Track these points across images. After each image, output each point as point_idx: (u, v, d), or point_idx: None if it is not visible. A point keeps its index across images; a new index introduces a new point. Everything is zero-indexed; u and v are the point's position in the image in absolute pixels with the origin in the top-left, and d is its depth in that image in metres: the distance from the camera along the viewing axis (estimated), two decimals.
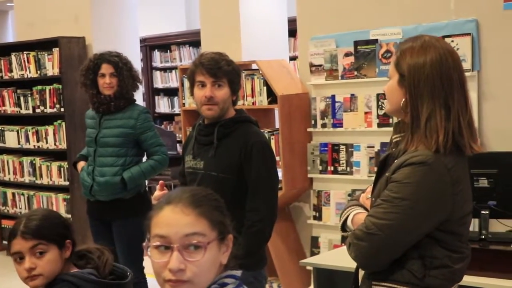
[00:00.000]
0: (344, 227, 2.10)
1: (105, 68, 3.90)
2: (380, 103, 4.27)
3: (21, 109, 6.39)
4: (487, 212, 3.00)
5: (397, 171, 1.88)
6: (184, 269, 1.34)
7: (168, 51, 9.17)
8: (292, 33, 6.32)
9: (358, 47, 4.36)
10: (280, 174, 4.43)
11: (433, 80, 1.88)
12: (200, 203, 1.40)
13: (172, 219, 1.37)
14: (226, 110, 2.81)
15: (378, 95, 4.27)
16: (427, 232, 1.89)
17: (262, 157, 2.75)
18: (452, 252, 1.92)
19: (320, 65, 4.56)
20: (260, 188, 2.74)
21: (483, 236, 2.98)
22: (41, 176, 6.27)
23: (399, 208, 1.85)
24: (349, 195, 4.44)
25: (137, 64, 5.93)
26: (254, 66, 4.83)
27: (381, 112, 4.26)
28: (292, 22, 5.45)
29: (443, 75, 1.88)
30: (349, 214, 2.08)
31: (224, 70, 2.75)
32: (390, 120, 4.22)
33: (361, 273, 2.06)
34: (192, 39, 8.48)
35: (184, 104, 5.09)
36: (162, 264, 1.36)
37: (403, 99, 1.92)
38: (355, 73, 4.39)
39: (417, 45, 1.92)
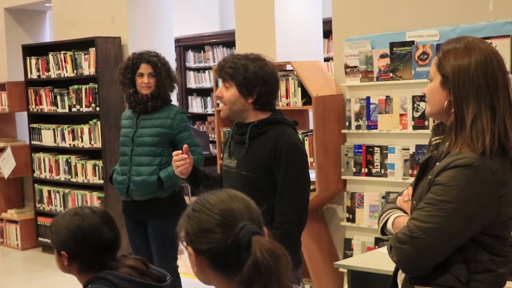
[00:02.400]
0: (383, 231, 2.07)
1: (144, 68, 3.94)
2: (415, 105, 4.22)
3: (57, 108, 6.48)
4: None
5: (441, 173, 1.85)
6: None
7: (202, 51, 9.23)
8: (327, 34, 6.30)
9: (394, 49, 4.32)
10: (313, 175, 4.41)
11: (479, 82, 1.86)
12: None
13: None
14: (240, 112, 2.78)
15: (413, 97, 4.22)
16: (472, 235, 1.86)
17: (290, 159, 2.70)
18: (496, 256, 1.89)
19: (355, 67, 4.53)
20: (287, 190, 2.70)
21: None
22: (76, 174, 6.36)
23: (444, 211, 1.83)
24: (383, 197, 4.40)
25: (172, 64, 5.97)
26: (288, 67, 4.82)
27: (416, 115, 4.22)
28: (327, 23, 5.43)
29: (488, 76, 1.86)
30: (389, 217, 2.05)
31: (226, 72, 2.73)
32: (426, 123, 4.17)
33: (400, 276, 2.03)
34: (226, 40, 8.51)
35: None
36: None
37: (447, 101, 1.90)
38: (391, 75, 4.35)
39: (460, 46, 1.91)
